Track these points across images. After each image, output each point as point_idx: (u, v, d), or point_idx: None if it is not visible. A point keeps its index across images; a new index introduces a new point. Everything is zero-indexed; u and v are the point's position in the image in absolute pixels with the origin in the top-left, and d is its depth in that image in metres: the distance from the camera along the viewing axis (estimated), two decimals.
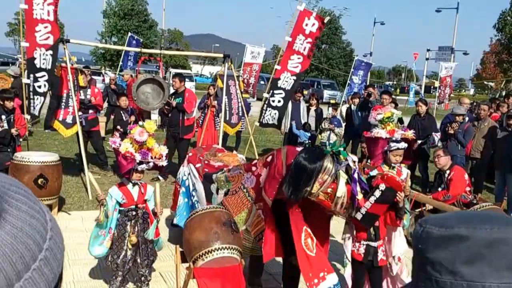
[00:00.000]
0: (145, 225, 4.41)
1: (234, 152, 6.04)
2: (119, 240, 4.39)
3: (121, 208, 4.43)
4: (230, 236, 3.18)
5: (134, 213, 4.40)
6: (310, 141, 11.51)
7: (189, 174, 5.03)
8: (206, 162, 4.93)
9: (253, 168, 4.17)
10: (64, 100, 8.48)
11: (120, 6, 46.10)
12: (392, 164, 4.63)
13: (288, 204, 3.57)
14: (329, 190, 3.33)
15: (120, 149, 4.16)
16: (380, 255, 3.94)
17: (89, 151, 9.81)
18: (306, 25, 9.11)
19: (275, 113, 9.78)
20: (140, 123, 4.40)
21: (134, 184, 4.40)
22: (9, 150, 7.28)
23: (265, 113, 9.81)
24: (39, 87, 8.12)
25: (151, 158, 4.24)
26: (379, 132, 4.87)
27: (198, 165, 4.93)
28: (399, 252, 4.01)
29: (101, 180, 9.03)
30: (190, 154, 5.14)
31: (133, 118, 8.91)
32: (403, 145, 4.66)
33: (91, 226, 6.47)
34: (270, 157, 3.95)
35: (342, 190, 3.30)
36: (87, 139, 9.31)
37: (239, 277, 3.15)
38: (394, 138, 4.69)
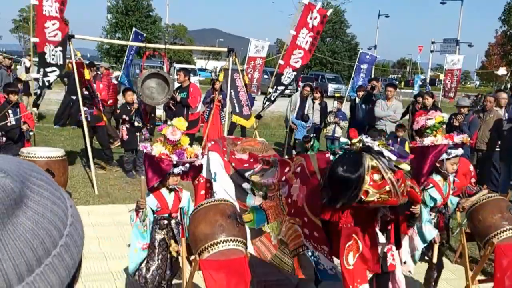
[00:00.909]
0: (177, 237, 3.98)
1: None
2: (149, 250, 3.99)
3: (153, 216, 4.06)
4: (235, 229, 3.18)
5: (166, 222, 4.02)
6: (314, 135, 11.54)
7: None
8: (231, 154, 4.56)
9: (286, 171, 3.96)
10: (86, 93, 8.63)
11: (123, 1, 46.15)
12: (450, 174, 4.20)
13: (343, 217, 3.27)
14: (387, 188, 2.94)
15: (153, 153, 3.78)
16: (390, 260, 3.76)
17: (95, 147, 9.85)
18: (311, 18, 9.10)
19: (268, 105, 10.00)
20: (169, 122, 4.00)
21: (170, 190, 4.01)
22: (19, 145, 7.43)
23: (266, 106, 9.93)
24: (48, 81, 8.23)
25: (187, 158, 3.87)
26: (437, 139, 4.17)
27: (224, 157, 4.52)
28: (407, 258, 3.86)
29: (107, 175, 9.10)
30: (212, 143, 4.65)
31: (135, 105, 8.92)
32: (461, 151, 4.24)
33: (97, 220, 6.59)
34: (299, 167, 3.72)
35: (389, 177, 2.94)
36: (92, 135, 9.35)
37: (244, 269, 3.16)
38: (454, 143, 4.17)
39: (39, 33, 8.02)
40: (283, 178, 3.95)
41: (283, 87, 9.65)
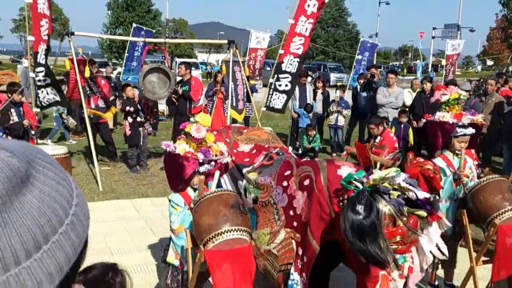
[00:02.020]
0: None
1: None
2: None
3: None
4: (239, 218, 3.19)
5: None
6: (317, 124, 11.56)
7: None
8: (234, 144, 4.35)
9: (284, 184, 3.63)
10: (87, 89, 8.63)
11: None
12: (456, 151, 4.19)
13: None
14: (398, 238, 2.76)
15: (178, 151, 3.59)
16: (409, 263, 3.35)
17: (98, 143, 9.89)
18: (308, 6, 9.07)
19: (283, 97, 9.80)
20: (192, 118, 3.75)
21: (195, 190, 3.76)
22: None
23: (271, 97, 9.83)
24: (39, 81, 8.26)
25: (213, 156, 3.65)
26: (444, 116, 4.24)
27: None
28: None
29: (111, 171, 9.13)
30: (214, 133, 4.25)
31: (137, 98, 8.96)
32: (471, 130, 4.17)
33: (102, 216, 6.62)
34: (308, 180, 3.42)
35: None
36: (95, 131, 9.39)
37: (249, 258, 3.17)
38: (461, 123, 4.16)
39: (35, 32, 8.04)
40: (280, 182, 3.67)
41: (286, 75, 9.59)
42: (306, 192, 3.41)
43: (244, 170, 4.02)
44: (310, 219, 3.33)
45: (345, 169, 3.26)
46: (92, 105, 8.75)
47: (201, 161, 3.59)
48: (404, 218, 2.72)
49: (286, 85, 9.70)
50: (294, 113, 11.38)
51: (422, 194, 2.76)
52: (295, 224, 3.51)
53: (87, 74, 8.37)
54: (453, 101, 4.30)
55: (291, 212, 3.55)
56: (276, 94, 9.79)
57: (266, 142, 4.46)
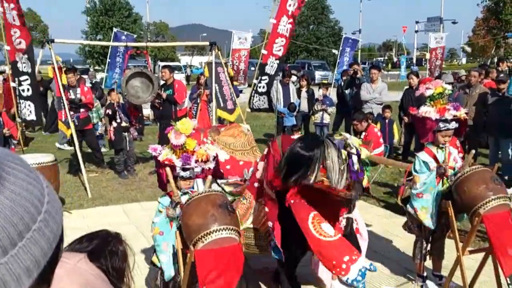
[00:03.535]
0: None
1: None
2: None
3: None
4: (227, 217, 3.23)
5: None
6: (302, 123, 11.62)
7: None
8: (212, 144, 4.40)
9: (256, 185, 3.98)
10: (62, 101, 8.56)
11: (101, 2, 45.82)
12: (440, 145, 4.26)
13: (289, 194, 3.48)
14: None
15: (159, 158, 3.68)
16: (355, 224, 4.07)
17: (84, 150, 9.84)
18: (289, 5, 9.11)
19: (263, 98, 9.86)
20: (174, 123, 3.76)
21: (184, 194, 3.79)
22: None
23: (253, 99, 9.89)
24: (23, 90, 8.20)
25: (196, 162, 3.68)
26: (428, 112, 4.28)
27: None
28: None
29: (99, 178, 9.09)
30: (193, 131, 4.26)
31: (116, 102, 8.94)
32: (454, 125, 4.22)
33: (92, 223, 6.59)
34: (266, 150, 3.83)
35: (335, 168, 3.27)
36: (81, 138, 9.33)
37: (237, 256, 3.22)
38: (444, 118, 4.21)
39: (9, 41, 8.01)
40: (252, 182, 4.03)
41: (265, 77, 9.65)
42: (265, 158, 3.80)
43: (219, 181, 4.25)
44: (267, 173, 3.67)
45: (298, 135, 3.84)
46: (63, 118, 8.60)
47: (179, 168, 3.64)
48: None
49: (264, 87, 9.80)
50: (281, 114, 11.41)
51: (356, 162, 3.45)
52: (258, 192, 3.87)
53: (64, 81, 8.31)
54: (438, 96, 4.33)
55: (256, 184, 3.95)
56: (257, 97, 9.89)
57: (242, 151, 4.61)
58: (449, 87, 4.57)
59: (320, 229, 3.37)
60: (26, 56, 8.05)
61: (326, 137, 3.58)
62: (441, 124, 4.19)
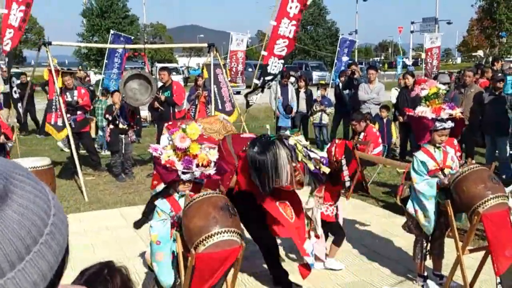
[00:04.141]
0: None
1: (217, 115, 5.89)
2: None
3: None
4: (228, 220, 3.23)
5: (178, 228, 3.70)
6: (301, 123, 11.62)
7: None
8: None
9: None
10: (54, 104, 8.53)
11: (98, 4, 45.72)
12: (437, 144, 4.27)
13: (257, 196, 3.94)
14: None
15: (161, 158, 3.57)
16: (339, 212, 4.85)
17: (81, 153, 9.80)
18: (290, 8, 9.10)
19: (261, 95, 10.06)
20: (183, 126, 3.66)
21: (181, 196, 3.72)
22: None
23: (252, 96, 9.93)
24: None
25: (197, 166, 3.58)
26: (424, 111, 4.29)
27: None
28: None
29: (96, 181, 9.04)
30: (170, 123, 4.37)
31: (117, 105, 8.92)
32: (450, 124, 4.21)
33: (89, 227, 6.56)
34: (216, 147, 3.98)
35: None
36: (78, 141, 9.30)
37: (237, 259, 3.22)
38: (440, 118, 4.22)
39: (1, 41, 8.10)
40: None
41: (270, 77, 9.66)
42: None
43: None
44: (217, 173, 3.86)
45: (248, 135, 4.20)
46: (52, 121, 8.64)
47: (180, 172, 3.54)
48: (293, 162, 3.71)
49: (270, 86, 9.87)
50: (278, 112, 11.42)
51: (313, 154, 3.89)
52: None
53: (60, 84, 8.29)
54: (433, 96, 4.34)
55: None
56: (256, 93, 9.98)
57: (218, 132, 4.59)
58: (444, 87, 4.58)
59: (286, 212, 3.99)
60: (6, 59, 8.21)
61: (278, 137, 3.85)
62: (437, 124, 4.21)
